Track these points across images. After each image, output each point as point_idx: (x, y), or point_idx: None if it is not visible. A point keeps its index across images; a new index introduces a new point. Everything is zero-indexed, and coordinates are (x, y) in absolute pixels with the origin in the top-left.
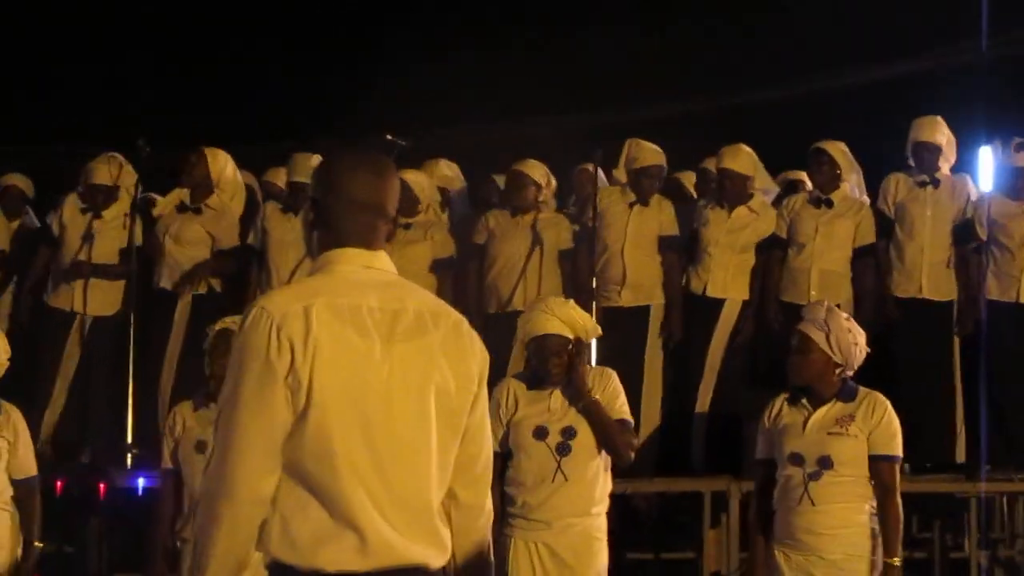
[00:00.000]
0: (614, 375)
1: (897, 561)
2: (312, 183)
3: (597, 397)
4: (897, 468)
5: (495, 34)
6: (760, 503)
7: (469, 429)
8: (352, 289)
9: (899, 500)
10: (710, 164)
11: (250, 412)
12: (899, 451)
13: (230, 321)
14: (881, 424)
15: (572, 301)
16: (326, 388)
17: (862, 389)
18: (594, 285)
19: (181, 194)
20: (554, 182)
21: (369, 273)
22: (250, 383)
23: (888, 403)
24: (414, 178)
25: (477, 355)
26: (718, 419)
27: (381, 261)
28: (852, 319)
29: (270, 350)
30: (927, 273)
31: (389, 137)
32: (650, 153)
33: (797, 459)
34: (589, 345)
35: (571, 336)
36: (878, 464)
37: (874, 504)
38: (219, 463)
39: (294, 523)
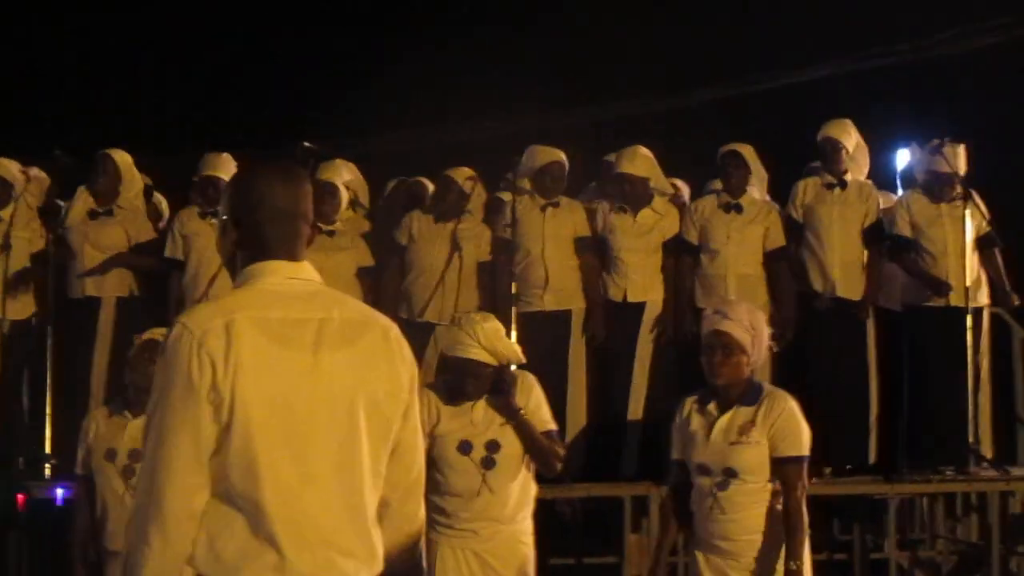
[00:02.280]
0: (536, 383)
1: (795, 565)
2: (227, 200)
3: (522, 409)
4: (803, 468)
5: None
6: (672, 498)
7: (402, 439)
8: (276, 301)
9: (801, 500)
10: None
11: (175, 430)
12: (803, 450)
13: (158, 333)
14: (780, 423)
15: (500, 327)
16: (249, 403)
17: (765, 387)
18: (514, 291)
19: (87, 200)
20: (482, 189)
21: (293, 284)
22: (174, 401)
23: (789, 400)
24: (332, 185)
25: (407, 362)
26: (650, 425)
27: (305, 271)
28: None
29: (191, 367)
30: (839, 273)
31: (306, 144)
32: (546, 153)
33: (704, 469)
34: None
35: (493, 363)
36: (780, 466)
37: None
38: (148, 481)
39: (220, 540)
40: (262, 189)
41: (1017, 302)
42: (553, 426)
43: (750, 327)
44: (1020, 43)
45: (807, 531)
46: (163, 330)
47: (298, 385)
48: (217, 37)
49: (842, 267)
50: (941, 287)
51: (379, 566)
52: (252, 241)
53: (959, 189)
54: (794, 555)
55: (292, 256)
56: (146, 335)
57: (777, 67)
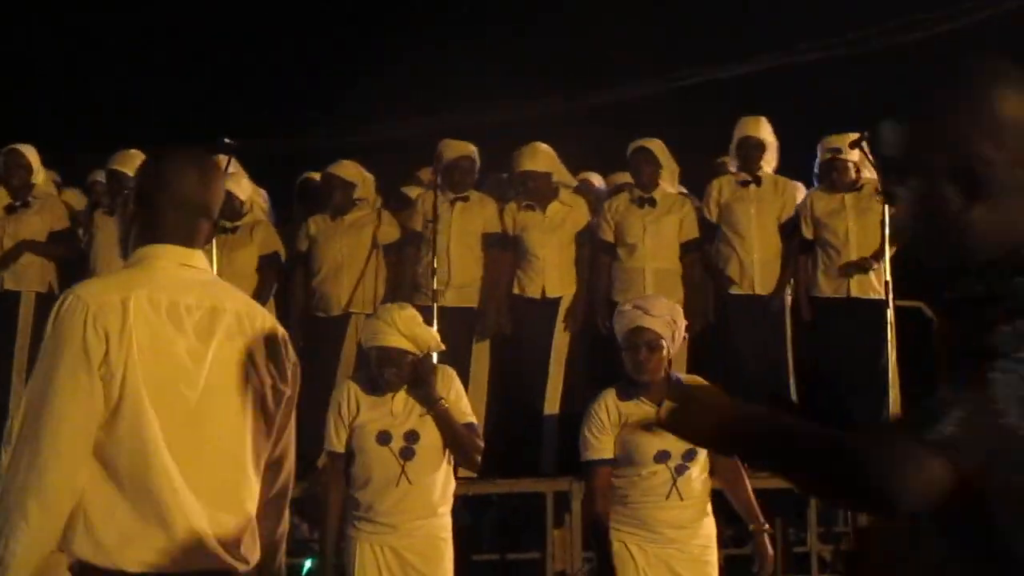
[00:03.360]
0: (455, 376)
1: (768, 527)
2: (138, 178)
3: (442, 399)
4: None
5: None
6: (604, 503)
7: (280, 434)
8: (171, 285)
9: (745, 474)
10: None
11: (63, 400)
12: None
13: None
14: None
15: (417, 315)
16: (141, 381)
17: (685, 376)
18: (435, 287)
19: (1, 196)
20: (371, 180)
21: (187, 271)
22: (64, 371)
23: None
24: (234, 184)
25: (291, 359)
26: (566, 419)
27: (199, 260)
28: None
29: (86, 339)
30: (758, 269)
31: (227, 140)
32: (455, 148)
33: (663, 456)
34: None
35: (413, 350)
36: None
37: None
38: (30, 455)
39: (100, 521)
40: (173, 174)
41: (873, 267)
42: (472, 419)
43: (671, 321)
44: (944, 38)
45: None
46: None
47: (190, 370)
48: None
49: (761, 264)
50: (833, 273)
51: (256, 560)
52: (151, 222)
53: (875, 182)
54: (760, 518)
55: (188, 243)
56: None
57: (698, 62)
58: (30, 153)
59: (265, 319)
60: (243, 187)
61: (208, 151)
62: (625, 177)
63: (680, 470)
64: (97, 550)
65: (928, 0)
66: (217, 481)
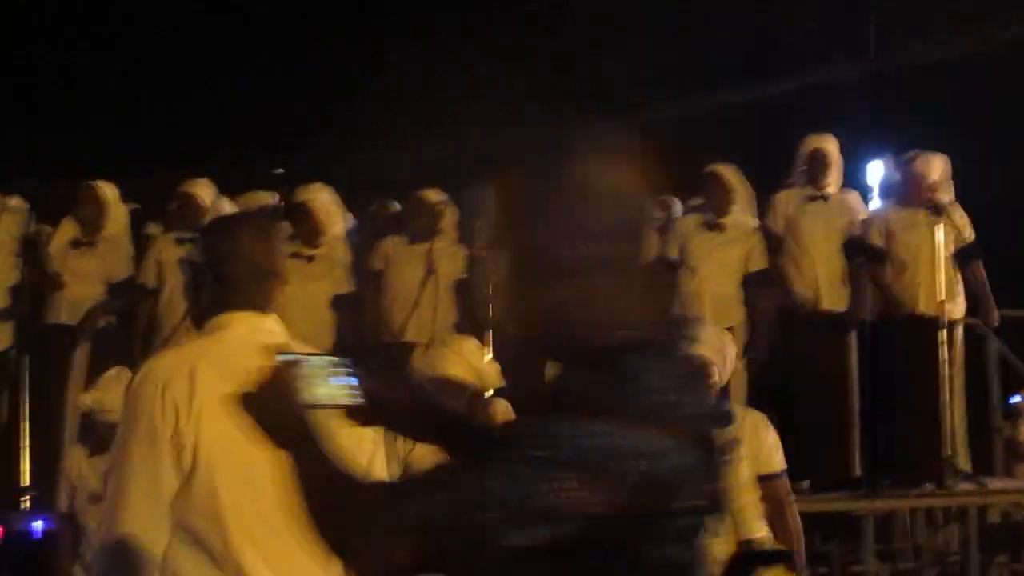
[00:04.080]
0: (511, 410)
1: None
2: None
3: None
4: (787, 482)
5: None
6: None
7: None
8: (239, 351)
9: (796, 510)
10: None
11: (135, 473)
12: (784, 464)
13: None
14: (765, 442)
15: (480, 349)
16: (212, 448)
17: (738, 408)
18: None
19: (70, 229)
20: (455, 210)
21: (258, 336)
22: (137, 444)
23: (766, 418)
24: (323, 208)
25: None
26: None
27: (271, 324)
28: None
29: (154, 411)
30: (824, 285)
31: (277, 171)
32: None
33: None
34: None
35: (472, 382)
36: (769, 482)
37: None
38: (108, 523)
39: None
40: (240, 243)
41: (996, 322)
42: None
43: (719, 350)
44: (994, 52)
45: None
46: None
47: (257, 435)
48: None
49: (827, 279)
50: (901, 290)
51: None
52: (223, 292)
53: (934, 199)
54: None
55: (262, 309)
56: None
57: (744, 80)
58: (104, 190)
59: None
60: (332, 216)
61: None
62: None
63: None
64: None
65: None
66: (289, 538)
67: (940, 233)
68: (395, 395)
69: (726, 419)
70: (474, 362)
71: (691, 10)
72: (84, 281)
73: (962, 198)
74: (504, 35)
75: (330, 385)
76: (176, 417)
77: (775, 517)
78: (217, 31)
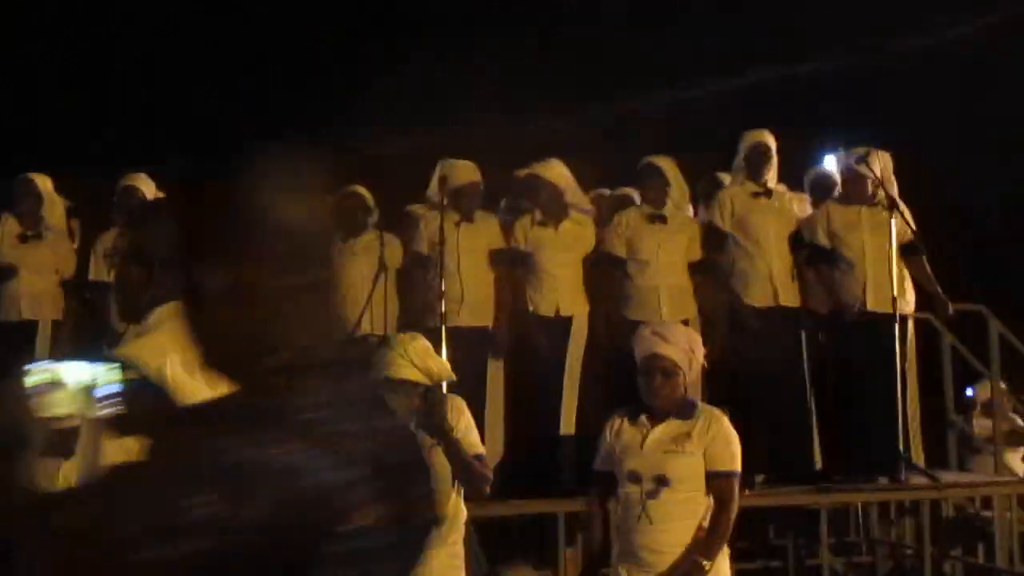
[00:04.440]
0: (465, 406)
1: (706, 564)
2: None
3: (452, 429)
4: (735, 483)
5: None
6: (593, 507)
7: None
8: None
9: (732, 515)
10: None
11: None
12: (736, 466)
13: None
14: (717, 440)
15: (429, 346)
16: None
17: (700, 405)
18: (443, 309)
19: (14, 224)
20: (373, 204)
21: None
22: None
23: (725, 419)
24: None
25: None
26: (583, 438)
27: None
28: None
29: None
30: (779, 281)
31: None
32: (464, 172)
33: (634, 477)
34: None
35: (424, 381)
36: (715, 480)
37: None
38: None
39: None
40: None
41: (952, 310)
42: (481, 450)
43: (688, 349)
44: (949, 48)
45: (725, 542)
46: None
47: None
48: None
49: (781, 275)
50: (848, 286)
51: None
52: (166, 282)
53: (882, 196)
54: (708, 554)
55: None
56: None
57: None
58: (42, 183)
59: None
60: None
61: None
62: (627, 191)
63: (652, 494)
64: None
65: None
66: None
67: (894, 228)
68: (145, 405)
69: (411, 441)
70: (421, 361)
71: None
72: (39, 273)
73: (905, 194)
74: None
75: (77, 397)
76: None
77: (714, 514)
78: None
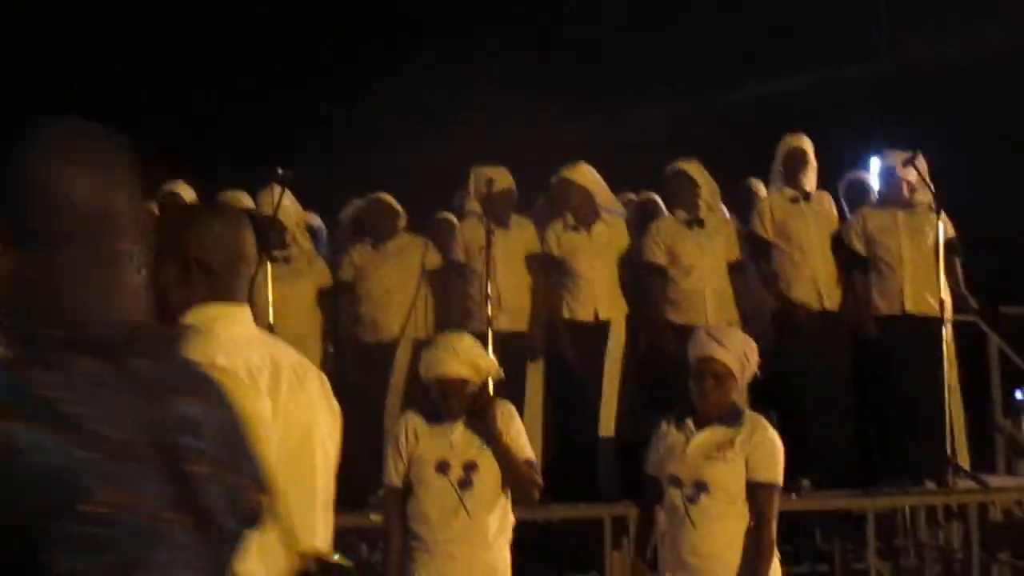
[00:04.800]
0: (515, 412)
1: None
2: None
3: (504, 436)
4: (775, 496)
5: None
6: (644, 513)
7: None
8: (238, 346)
9: (773, 528)
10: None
11: None
12: (778, 478)
13: None
14: (761, 448)
15: (476, 342)
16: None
17: (747, 413)
18: (489, 313)
19: None
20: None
21: (245, 329)
22: None
23: (770, 428)
24: (282, 212)
25: (336, 408)
26: (623, 442)
27: (249, 316)
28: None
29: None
30: (824, 284)
31: (280, 171)
32: (498, 178)
33: (675, 481)
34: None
35: (473, 378)
36: (755, 491)
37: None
38: None
39: None
40: (217, 233)
41: (976, 305)
42: (532, 456)
43: (743, 356)
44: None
45: (773, 559)
46: None
47: (268, 430)
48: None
49: (825, 279)
50: (887, 291)
51: None
52: (205, 283)
53: (923, 199)
54: None
55: (238, 299)
56: None
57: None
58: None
59: (314, 370)
60: (290, 215)
61: (269, 181)
62: (649, 195)
63: (692, 499)
64: None
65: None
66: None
67: (941, 229)
68: None
69: (191, 426)
70: (469, 357)
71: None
72: None
73: (954, 197)
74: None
75: None
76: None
77: (755, 526)
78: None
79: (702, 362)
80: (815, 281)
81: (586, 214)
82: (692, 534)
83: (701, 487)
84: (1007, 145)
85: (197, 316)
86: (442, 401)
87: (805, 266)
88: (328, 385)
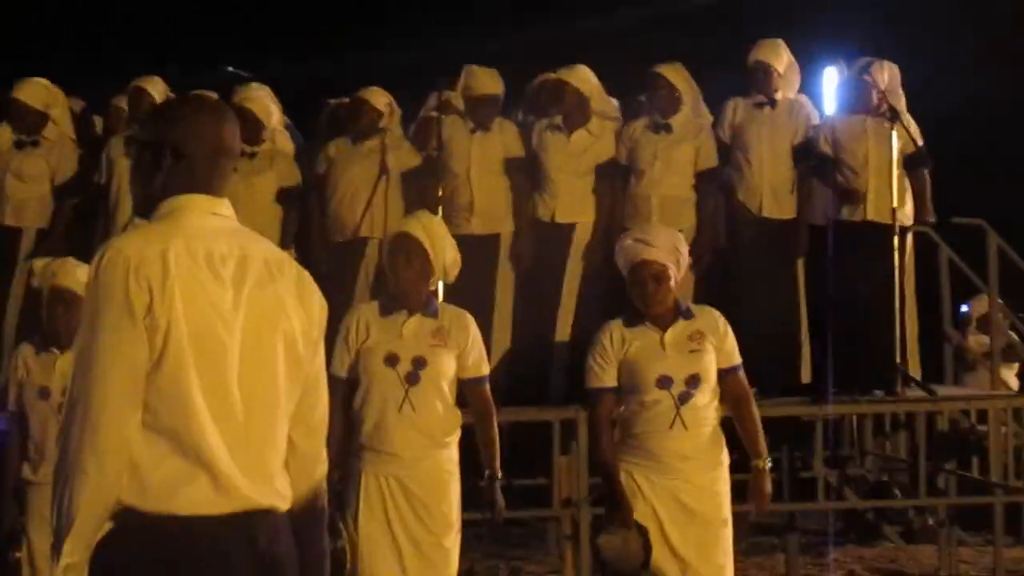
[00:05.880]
0: (472, 323)
1: (765, 463)
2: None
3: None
4: (744, 375)
5: None
6: (609, 433)
7: (309, 377)
8: (205, 234)
9: (754, 405)
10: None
11: (110, 355)
12: (740, 359)
13: (62, 274)
14: (727, 336)
15: (448, 232)
16: (183, 331)
17: (692, 305)
18: (439, 214)
19: (7, 131)
20: (397, 110)
21: (217, 220)
22: (108, 326)
23: (718, 313)
24: (260, 105)
25: (317, 304)
26: (578, 348)
27: (226, 208)
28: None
29: (129, 292)
30: (767, 193)
31: (230, 69)
32: (486, 81)
33: (665, 382)
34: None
35: (428, 248)
36: (731, 375)
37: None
38: (82, 410)
39: (145, 467)
40: (198, 123)
41: (933, 219)
42: (485, 371)
43: (674, 249)
44: None
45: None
46: (64, 268)
47: (227, 319)
48: None
49: (770, 188)
50: (851, 195)
51: (289, 501)
52: (180, 173)
53: (885, 107)
54: (761, 454)
55: (216, 192)
56: (57, 281)
57: None
58: (42, 88)
59: (291, 264)
60: (270, 112)
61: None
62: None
63: (684, 397)
64: (144, 495)
65: None
66: (253, 426)
67: (895, 139)
68: None
69: None
70: (438, 232)
71: None
72: (28, 182)
73: (916, 107)
74: None
75: None
76: (150, 298)
77: (739, 411)
78: None
79: (637, 267)
80: (759, 189)
81: (575, 118)
82: (683, 436)
83: (693, 382)
84: (963, 49)
85: (169, 204)
86: (392, 260)
87: (751, 173)
88: (310, 282)
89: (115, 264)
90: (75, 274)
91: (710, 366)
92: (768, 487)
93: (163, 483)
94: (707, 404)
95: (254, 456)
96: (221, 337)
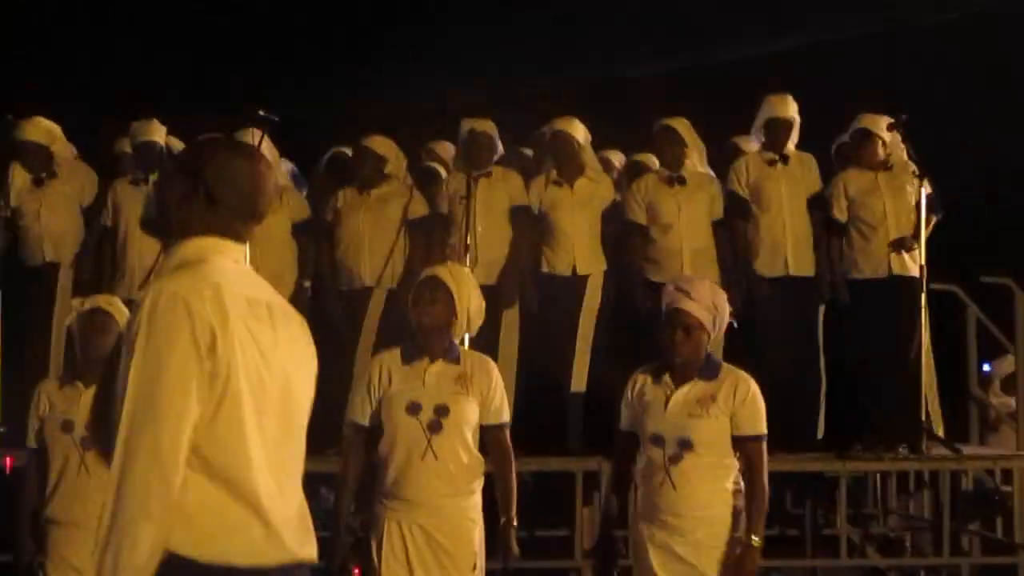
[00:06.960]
0: (494, 368)
1: (757, 541)
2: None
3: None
4: (763, 446)
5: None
6: (618, 469)
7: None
8: (238, 280)
9: (766, 479)
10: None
11: (177, 394)
12: (764, 429)
13: (102, 300)
14: (745, 403)
15: (475, 282)
16: (241, 376)
17: (724, 366)
18: (467, 262)
19: (24, 173)
20: (403, 157)
21: (238, 267)
22: (175, 366)
23: (752, 381)
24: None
25: (313, 352)
26: (594, 397)
27: (243, 254)
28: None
29: (195, 333)
30: (791, 249)
31: (261, 113)
32: (473, 122)
33: (658, 440)
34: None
35: (455, 294)
36: (744, 444)
37: (737, 481)
38: (148, 456)
39: (202, 515)
40: (239, 170)
41: (915, 247)
42: (506, 418)
43: (712, 306)
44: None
45: (766, 509)
46: (106, 298)
47: (269, 363)
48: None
49: (794, 243)
50: (868, 251)
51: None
52: (211, 215)
53: (904, 161)
54: (756, 530)
55: (241, 240)
56: (89, 303)
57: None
58: (36, 123)
59: (295, 314)
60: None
61: (250, 124)
62: (644, 156)
63: (674, 459)
64: (197, 544)
65: None
66: (291, 474)
67: (924, 194)
68: None
69: None
70: (465, 281)
71: None
72: (60, 212)
73: (945, 163)
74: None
75: None
76: (212, 339)
77: (748, 478)
78: None
79: (671, 314)
80: (781, 246)
81: (572, 168)
82: (672, 495)
83: (685, 444)
84: (991, 111)
85: (197, 245)
86: (418, 298)
87: (772, 230)
88: (308, 330)
89: (175, 304)
90: (115, 303)
91: (713, 433)
92: (752, 566)
93: (217, 531)
94: (706, 466)
95: (293, 505)
96: (266, 382)
